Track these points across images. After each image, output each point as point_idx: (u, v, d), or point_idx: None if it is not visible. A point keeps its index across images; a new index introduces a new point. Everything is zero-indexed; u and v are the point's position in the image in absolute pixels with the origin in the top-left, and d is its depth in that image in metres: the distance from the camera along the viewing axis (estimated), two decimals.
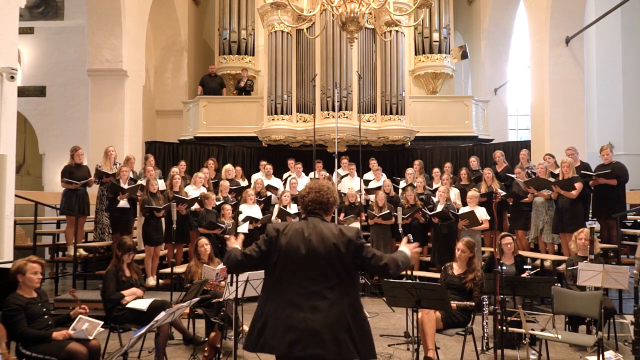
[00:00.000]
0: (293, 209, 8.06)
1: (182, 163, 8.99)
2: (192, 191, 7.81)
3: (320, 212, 2.58)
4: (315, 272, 2.42)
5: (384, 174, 9.22)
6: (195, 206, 7.59)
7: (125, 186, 7.33)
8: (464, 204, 7.72)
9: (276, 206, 8.15)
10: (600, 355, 4.08)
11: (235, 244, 2.65)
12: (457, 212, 7.44)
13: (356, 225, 7.97)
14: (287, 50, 10.68)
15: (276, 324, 2.40)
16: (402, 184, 8.96)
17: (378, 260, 2.46)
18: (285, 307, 2.41)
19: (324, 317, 2.36)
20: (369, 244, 2.41)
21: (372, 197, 8.59)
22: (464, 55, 11.38)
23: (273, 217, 7.99)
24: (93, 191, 7.88)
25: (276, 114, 10.55)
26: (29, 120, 12.41)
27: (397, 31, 10.55)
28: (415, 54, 12.05)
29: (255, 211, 7.82)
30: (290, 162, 9.67)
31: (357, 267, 2.49)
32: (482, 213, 7.32)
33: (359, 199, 8.50)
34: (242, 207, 7.81)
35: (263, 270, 3.68)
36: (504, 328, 3.93)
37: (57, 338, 3.70)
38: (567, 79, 8.93)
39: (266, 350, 2.42)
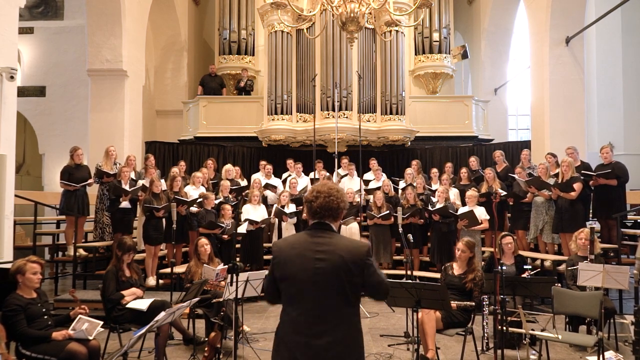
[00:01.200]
0: (291, 208, 8.06)
1: (182, 163, 8.99)
2: (192, 191, 7.81)
3: (329, 219, 2.36)
4: (321, 292, 2.23)
5: (384, 174, 9.21)
6: (194, 207, 7.59)
7: (127, 186, 7.33)
8: (464, 204, 7.72)
9: (275, 206, 8.16)
10: (601, 356, 4.08)
11: None
12: (457, 212, 7.44)
13: (354, 225, 7.98)
14: (287, 50, 10.68)
15: (284, 349, 2.26)
16: (402, 184, 8.96)
17: (384, 286, 2.34)
18: (291, 330, 2.25)
19: (329, 341, 2.19)
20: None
21: (372, 197, 8.60)
22: (464, 55, 11.38)
23: (271, 217, 8.01)
24: (93, 191, 7.88)
25: (276, 114, 10.54)
26: (29, 120, 12.41)
27: (397, 31, 10.54)
28: (415, 54, 12.06)
29: (260, 212, 7.82)
30: (289, 162, 9.66)
31: (361, 287, 2.31)
32: (481, 213, 7.32)
33: (357, 199, 8.50)
34: (246, 207, 7.82)
35: (263, 271, 3.60)
36: (504, 328, 3.93)
37: (57, 338, 3.70)
38: (567, 79, 8.93)
39: None
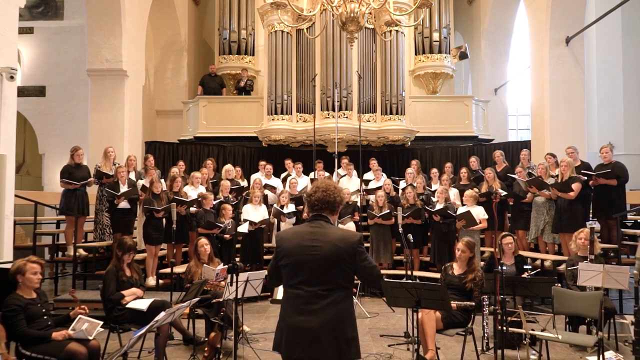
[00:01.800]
0: (290, 208, 8.06)
1: (181, 163, 8.98)
2: (190, 191, 7.81)
3: (327, 212, 2.60)
4: (317, 276, 2.46)
5: (384, 174, 9.21)
6: (194, 207, 7.58)
7: (124, 187, 7.32)
8: (464, 204, 7.72)
9: (274, 206, 8.17)
10: (601, 356, 4.08)
11: None
12: (456, 212, 7.44)
13: (351, 224, 7.99)
14: (287, 50, 10.67)
15: (284, 327, 2.49)
16: (402, 184, 8.96)
17: (376, 270, 2.57)
18: (289, 310, 2.49)
19: (324, 320, 2.41)
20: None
21: (372, 197, 8.60)
22: (463, 56, 11.38)
23: (270, 217, 8.01)
24: (92, 191, 7.87)
25: (276, 114, 10.54)
26: (29, 120, 12.40)
27: (397, 31, 10.54)
28: (415, 54, 12.05)
29: (261, 212, 7.82)
30: (288, 162, 9.66)
31: (354, 274, 2.54)
32: (479, 212, 7.31)
33: (354, 199, 8.51)
34: (247, 207, 7.81)
35: (262, 271, 3.75)
36: (504, 328, 3.93)
37: (57, 338, 3.70)
38: (567, 79, 8.93)
39: (281, 353, 2.52)
